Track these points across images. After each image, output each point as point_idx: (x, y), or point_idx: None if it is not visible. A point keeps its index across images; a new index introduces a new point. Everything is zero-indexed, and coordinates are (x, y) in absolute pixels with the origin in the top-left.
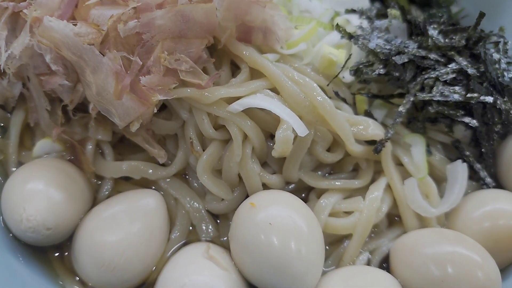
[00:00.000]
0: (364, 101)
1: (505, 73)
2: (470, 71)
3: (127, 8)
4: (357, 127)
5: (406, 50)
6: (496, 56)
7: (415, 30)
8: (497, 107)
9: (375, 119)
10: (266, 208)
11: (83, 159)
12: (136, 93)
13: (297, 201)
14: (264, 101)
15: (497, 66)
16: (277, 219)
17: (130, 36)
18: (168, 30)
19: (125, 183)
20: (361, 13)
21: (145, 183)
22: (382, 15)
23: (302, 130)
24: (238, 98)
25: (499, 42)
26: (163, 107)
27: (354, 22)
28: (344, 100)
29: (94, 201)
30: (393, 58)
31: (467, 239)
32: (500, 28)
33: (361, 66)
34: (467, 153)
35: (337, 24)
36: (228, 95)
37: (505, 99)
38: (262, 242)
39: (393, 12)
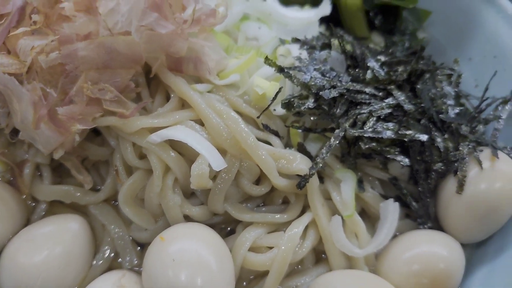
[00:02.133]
0: (297, 134)
1: (450, 109)
2: (407, 107)
3: (50, 38)
4: (281, 161)
5: (338, 84)
6: (448, 89)
7: (353, 62)
8: (436, 145)
9: (308, 152)
10: (174, 243)
11: (20, 181)
12: (54, 123)
13: (210, 235)
14: (183, 133)
15: (444, 100)
16: (182, 254)
17: (55, 66)
18: (92, 61)
19: (61, 205)
20: (302, 43)
21: (79, 207)
22: (328, 45)
23: (217, 165)
24: (165, 127)
25: (452, 75)
26: (99, 133)
27: (294, 53)
28: (276, 133)
29: (28, 223)
30: (321, 93)
31: (386, 285)
32: (455, 60)
33: (292, 100)
34: (404, 191)
35: (266, 57)
36: (148, 125)
37: (445, 137)
38: (166, 276)
39: (337, 42)
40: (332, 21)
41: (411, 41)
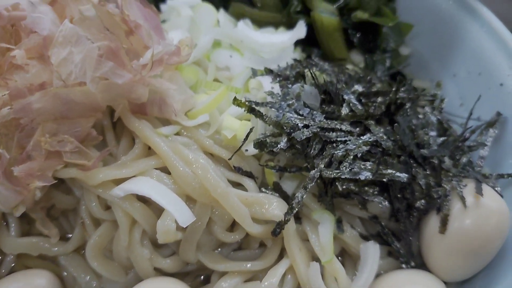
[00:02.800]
0: (272, 172)
1: (432, 140)
2: (385, 144)
3: (0, 93)
4: (255, 207)
5: (312, 123)
6: (430, 118)
7: (327, 97)
8: (417, 181)
9: (284, 191)
10: None
11: None
12: (11, 182)
13: None
14: (147, 186)
15: (426, 130)
16: None
17: (9, 120)
18: (48, 112)
19: (31, 257)
20: (275, 75)
21: (49, 257)
22: (303, 75)
23: (184, 220)
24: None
25: (434, 100)
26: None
27: (266, 87)
28: (250, 174)
29: None
30: (293, 134)
31: None
32: (437, 83)
33: (265, 139)
34: (386, 230)
35: (234, 98)
36: (111, 177)
37: (427, 172)
38: None
39: (312, 72)
40: (308, 42)
41: (393, 59)
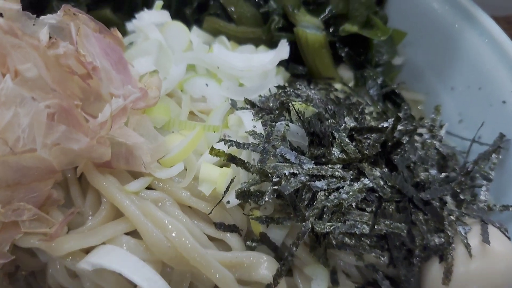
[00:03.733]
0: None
1: (432, 178)
2: (382, 192)
3: None
4: (240, 270)
5: (299, 170)
6: (430, 151)
7: (316, 138)
8: (417, 226)
9: (273, 243)
10: None
11: None
12: None
13: None
14: (116, 258)
15: (425, 167)
16: None
17: None
18: None
19: None
20: (257, 111)
21: None
22: (288, 108)
23: None
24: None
25: (433, 127)
26: None
27: (247, 125)
28: (234, 227)
29: None
30: (279, 187)
31: None
32: (436, 107)
33: (249, 188)
34: (384, 280)
35: (212, 147)
36: (76, 247)
37: (426, 217)
38: None
39: (296, 106)
40: (293, 59)
41: (386, 72)
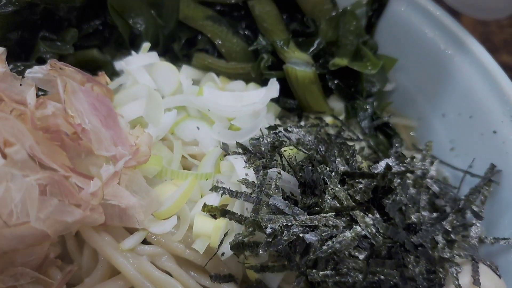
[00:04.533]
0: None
1: (422, 218)
2: (374, 240)
3: None
4: None
5: (293, 222)
6: (421, 192)
7: (308, 188)
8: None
9: None
10: None
11: None
12: None
13: None
14: None
15: (417, 207)
16: None
17: None
18: None
19: None
20: (249, 157)
21: None
22: (280, 154)
23: None
24: None
25: (425, 167)
26: None
27: (239, 173)
28: (230, 277)
29: None
30: (273, 242)
31: None
32: (427, 144)
33: (242, 240)
34: None
35: (204, 204)
36: None
37: (417, 259)
38: None
39: (288, 152)
40: (283, 92)
41: (377, 102)
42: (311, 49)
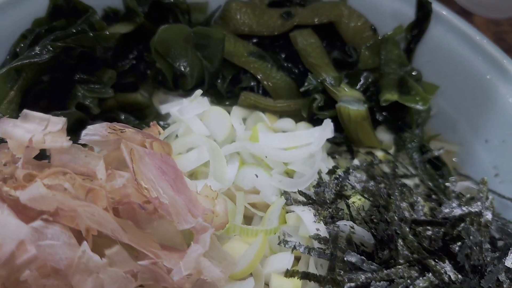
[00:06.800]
0: None
1: (489, 259)
2: None
3: None
4: None
5: (370, 278)
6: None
7: (380, 245)
8: None
9: None
10: None
11: None
12: None
13: None
14: None
15: (482, 249)
16: None
17: None
18: None
19: None
20: (317, 208)
21: None
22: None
23: None
24: None
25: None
26: None
27: (309, 227)
28: None
29: None
30: None
31: None
32: (482, 180)
33: None
34: None
35: (287, 270)
36: None
37: None
38: None
39: (357, 201)
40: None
41: (423, 133)
42: (359, 84)
